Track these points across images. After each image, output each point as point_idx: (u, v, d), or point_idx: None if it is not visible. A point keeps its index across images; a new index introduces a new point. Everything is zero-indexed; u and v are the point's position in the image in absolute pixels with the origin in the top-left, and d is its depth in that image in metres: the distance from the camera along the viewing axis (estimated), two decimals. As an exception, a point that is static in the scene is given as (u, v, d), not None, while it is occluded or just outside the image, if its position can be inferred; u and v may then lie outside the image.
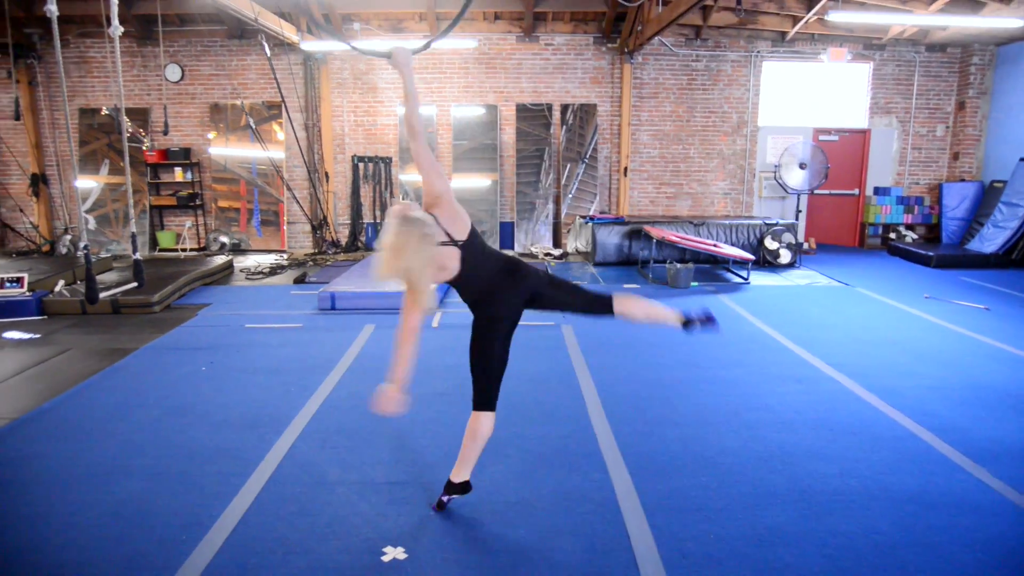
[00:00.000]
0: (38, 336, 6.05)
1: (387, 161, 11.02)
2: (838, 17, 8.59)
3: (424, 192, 2.75)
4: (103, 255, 9.00)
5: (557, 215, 10.88)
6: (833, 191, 11.09)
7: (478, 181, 10.85)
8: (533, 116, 10.75)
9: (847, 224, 11.39)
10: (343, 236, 11.11)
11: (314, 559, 2.72)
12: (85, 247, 4.85)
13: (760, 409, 4.29)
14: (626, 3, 8.69)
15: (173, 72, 10.62)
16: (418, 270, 2.52)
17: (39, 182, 10.60)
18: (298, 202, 10.65)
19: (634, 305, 3.09)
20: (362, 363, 5.25)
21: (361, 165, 11.00)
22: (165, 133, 8.76)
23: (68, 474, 3.46)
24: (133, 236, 5.46)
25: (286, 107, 9.71)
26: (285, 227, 11.02)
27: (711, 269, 9.06)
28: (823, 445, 3.76)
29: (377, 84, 10.85)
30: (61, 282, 7.51)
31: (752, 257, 8.41)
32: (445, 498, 3.07)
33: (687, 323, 3.21)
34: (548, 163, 10.74)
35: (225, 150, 10.83)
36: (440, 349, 5.54)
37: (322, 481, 3.36)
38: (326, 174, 10.99)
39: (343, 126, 11.01)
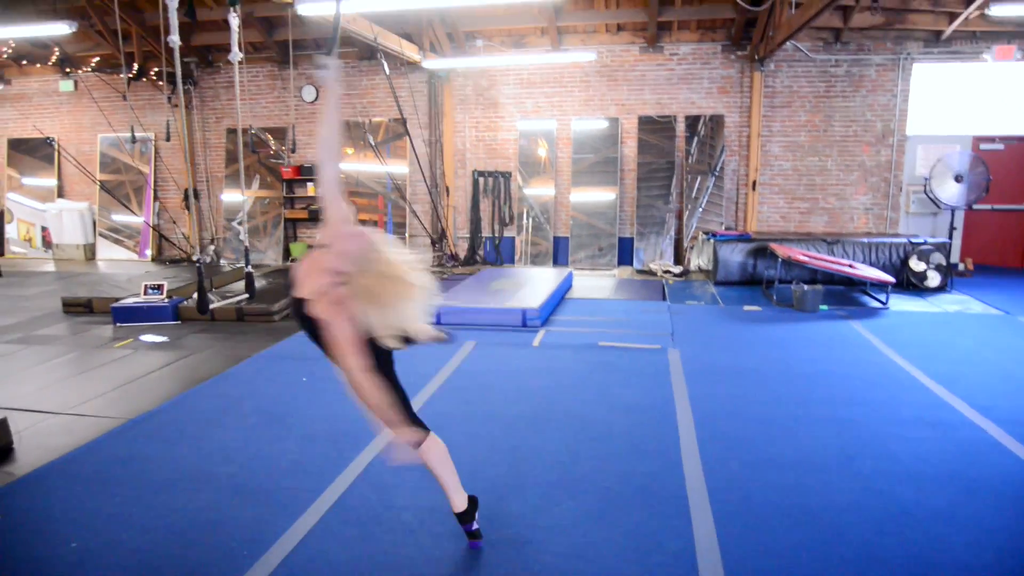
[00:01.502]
0: (168, 340, 6.52)
1: (507, 176, 11.06)
2: (1004, 10, 7.61)
3: (330, 224, 2.47)
4: (238, 265, 9.66)
5: (680, 231, 10.43)
6: (996, 206, 9.84)
7: (598, 195, 10.64)
8: (656, 129, 10.39)
9: (1013, 243, 10.06)
10: (462, 250, 11.25)
11: (361, 590, 2.64)
12: (198, 261, 5.15)
13: (880, 457, 3.77)
14: (754, 8, 8.17)
15: (309, 93, 11.25)
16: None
17: (191, 196, 11.57)
18: (417, 216, 10.91)
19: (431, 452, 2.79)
20: (455, 381, 5.20)
21: (481, 180, 11.11)
22: (292, 151, 9.27)
23: (158, 477, 3.62)
24: (246, 250, 5.77)
25: (405, 124, 9.99)
26: (407, 240, 11.33)
27: (845, 292, 8.27)
28: (953, 506, 3.23)
29: (498, 100, 10.93)
30: (200, 289, 8.10)
31: (892, 279, 7.59)
32: (472, 529, 2.91)
33: (464, 516, 2.87)
34: (671, 177, 10.33)
35: (356, 165, 11.31)
36: (534, 370, 5.40)
37: (389, 505, 3.30)
38: (447, 188, 11.20)
39: (464, 141, 11.18)
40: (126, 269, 10.80)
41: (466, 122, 11.11)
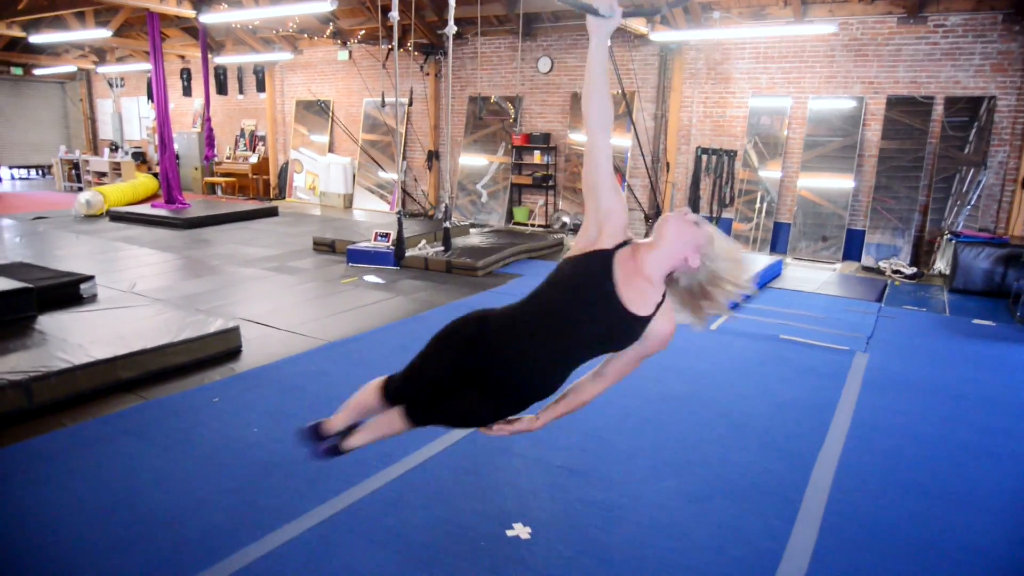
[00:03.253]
0: (384, 282, 7.44)
1: (731, 154, 10.63)
2: None
3: (599, 209, 2.05)
4: (463, 222, 10.59)
5: (922, 228, 9.25)
6: None
7: (830, 181, 9.81)
8: (908, 111, 9.25)
9: None
10: (676, 227, 11.09)
11: (448, 513, 2.98)
12: (399, 212, 5.82)
13: (1063, 507, 3.23)
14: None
15: (544, 64, 11.74)
16: None
17: (433, 157, 12.80)
18: (632, 192, 10.95)
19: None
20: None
21: (704, 157, 10.81)
22: (513, 122, 9.80)
23: (331, 392, 4.26)
24: (446, 208, 6.37)
25: (625, 97, 10.03)
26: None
27: (1124, 318, 6.81)
28: None
29: (731, 74, 10.49)
30: (423, 241, 9.03)
31: None
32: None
33: None
34: (920, 167, 9.17)
35: (580, 136, 11.64)
36: (700, 352, 5.31)
37: (506, 450, 3.59)
38: (667, 164, 11.07)
39: (691, 117, 10.92)
40: (374, 218, 12.31)
41: (694, 97, 10.83)
